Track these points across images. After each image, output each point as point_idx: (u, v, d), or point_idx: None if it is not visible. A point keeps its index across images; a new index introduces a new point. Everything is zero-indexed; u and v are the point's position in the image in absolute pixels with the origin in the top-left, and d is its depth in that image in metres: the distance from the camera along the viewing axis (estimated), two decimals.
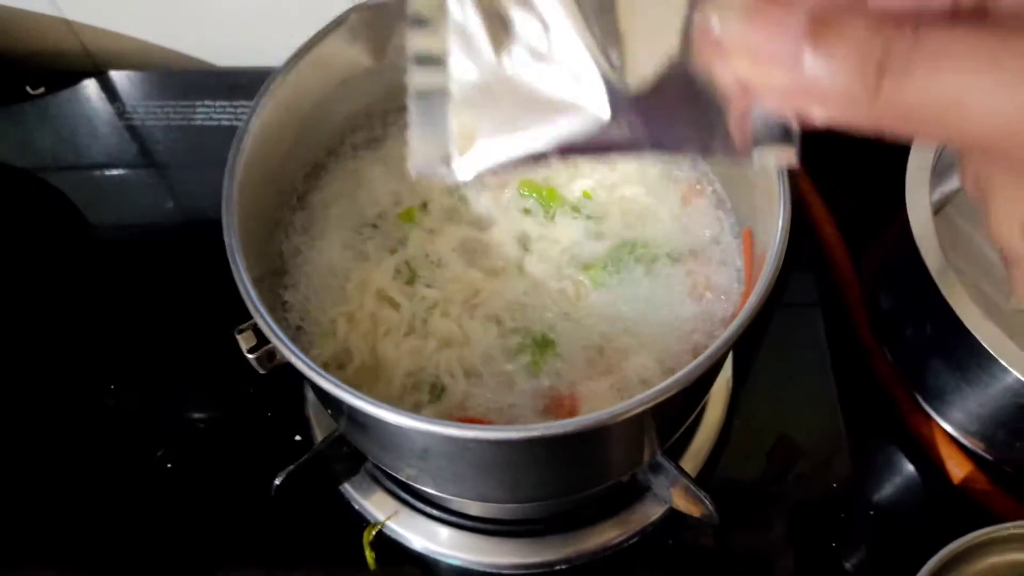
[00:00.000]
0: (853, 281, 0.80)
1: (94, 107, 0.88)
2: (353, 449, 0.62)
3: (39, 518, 0.67)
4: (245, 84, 0.87)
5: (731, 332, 0.44)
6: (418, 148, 0.33)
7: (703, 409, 0.68)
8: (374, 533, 0.65)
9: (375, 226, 0.62)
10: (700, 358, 0.44)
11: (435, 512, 0.66)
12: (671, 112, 0.32)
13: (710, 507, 0.57)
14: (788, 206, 0.48)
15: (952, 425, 0.72)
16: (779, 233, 0.47)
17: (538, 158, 0.33)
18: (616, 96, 0.32)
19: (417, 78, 0.33)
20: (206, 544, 0.66)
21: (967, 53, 0.24)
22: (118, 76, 0.90)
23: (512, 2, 0.32)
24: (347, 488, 0.67)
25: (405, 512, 0.66)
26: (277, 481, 0.60)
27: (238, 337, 0.50)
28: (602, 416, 0.43)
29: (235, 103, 0.86)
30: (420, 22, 0.33)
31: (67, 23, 0.88)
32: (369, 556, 0.64)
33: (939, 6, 0.26)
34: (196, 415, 0.72)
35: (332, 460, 0.64)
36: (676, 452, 0.65)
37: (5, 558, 0.66)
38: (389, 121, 0.66)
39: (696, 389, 0.51)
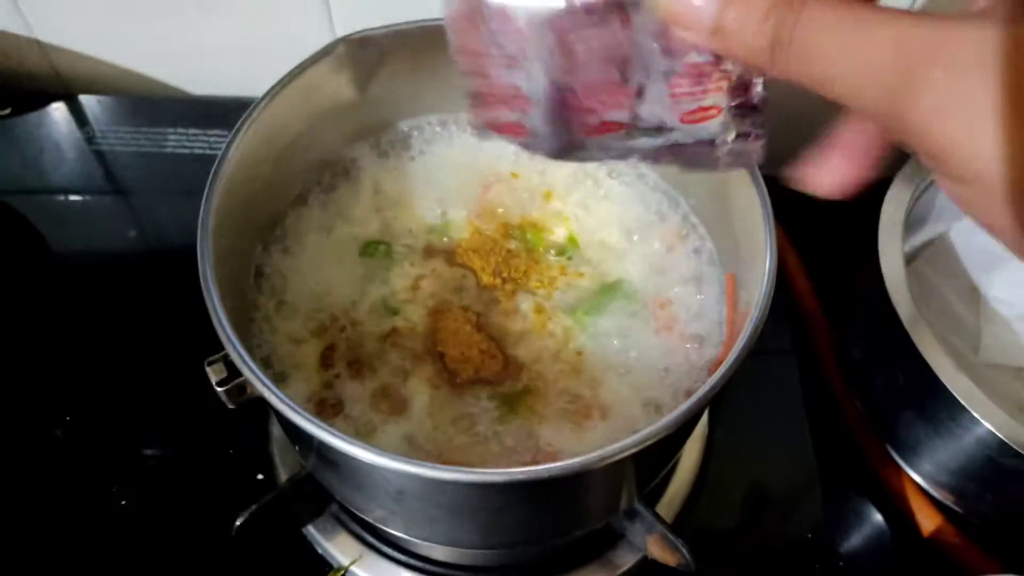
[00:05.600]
0: (824, 330, 0.80)
1: (62, 131, 0.86)
2: (318, 489, 0.60)
3: None
4: (219, 113, 0.85)
5: (718, 378, 0.44)
6: None
7: (679, 455, 0.67)
8: None
9: (355, 258, 0.61)
10: (687, 403, 0.43)
11: (401, 557, 0.63)
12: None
13: (687, 556, 0.56)
14: (774, 253, 0.48)
15: (922, 476, 0.72)
16: (765, 280, 0.47)
17: None
18: None
19: None
20: None
21: (830, 25, 0.30)
22: (88, 100, 0.88)
23: None
24: (311, 530, 0.64)
25: (370, 556, 0.64)
26: (239, 521, 0.58)
27: (208, 369, 0.48)
28: (587, 460, 0.42)
29: (208, 131, 0.84)
30: None
31: (38, 44, 0.86)
32: None
33: None
34: (154, 451, 0.69)
35: (296, 500, 0.61)
36: (652, 499, 0.64)
37: None
38: (371, 153, 0.65)
39: (679, 434, 0.50)
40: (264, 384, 0.43)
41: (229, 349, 0.45)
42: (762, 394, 0.71)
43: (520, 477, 0.41)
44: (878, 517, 0.73)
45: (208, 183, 0.51)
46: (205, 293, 0.47)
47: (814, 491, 0.67)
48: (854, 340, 0.78)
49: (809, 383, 0.74)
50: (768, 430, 0.70)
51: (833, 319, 0.81)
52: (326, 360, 0.56)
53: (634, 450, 0.42)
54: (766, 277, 0.47)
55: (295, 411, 0.42)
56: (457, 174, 0.63)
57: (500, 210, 0.62)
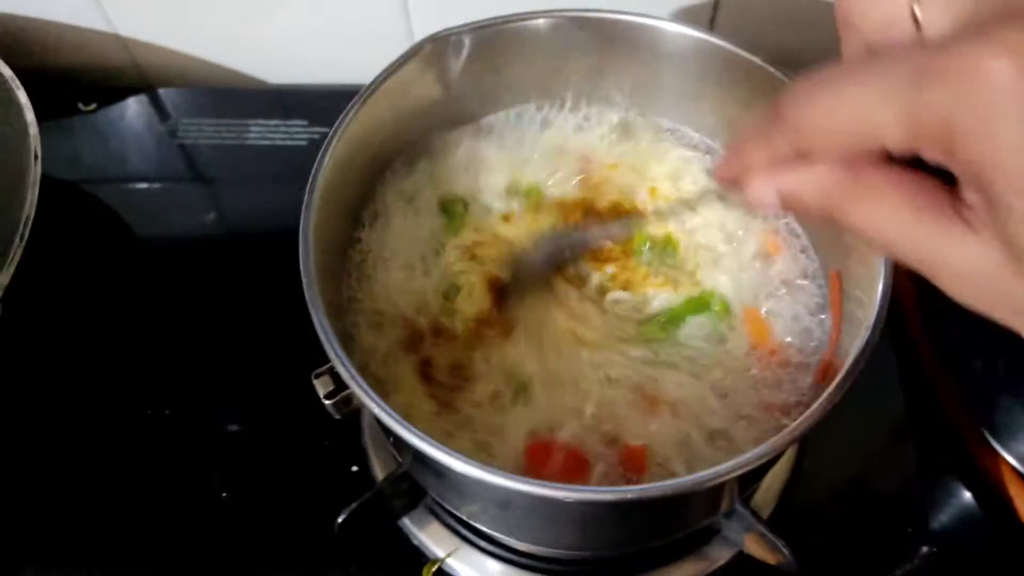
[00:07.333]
0: (915, 311, 0.78)
1: (145, 124, 0.87)
2: (413, 485, 0.61)
3: (90, 548, 0.66)
4: (299, 103, 0.85)
5: (840, 380, 0.44)
6: None
7: None
8: (433, 570, 0.64)
9: (437, 254, 0.61)
10: (811, 410, 0.43)
11: (495, 549, 0.64)
12: None
13: (788, 555, 0.55)
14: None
15: (1020, 461, 0.70)
16: (883, 277, 0.46)
17: None
18: None
19: None
20: None
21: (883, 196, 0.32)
22: (169, 93, 0.89)
23: None
24: (406, 523, 0.66)
25: (465, 549, 0.64)
26: (340, 519, 0.59)
27: (315, 382, 0.49)
28: (698, 479, 0.42)
29: (289, 123, 0.84)
30: None
31: (119, 39, 0.87)
32: None
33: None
34: (248, 440, 0.70)
35: (392, 496, 0.62)
36: (748, 494, 0.64)
37: None
38: (450, 148, 0.65)
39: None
40: (378, 404, 0.44)
41: (338, 366, 0.45)
42: (856, 380, 0.69)
43: (631, 496, 0.42)
44: (974, 503, 0.71)
45: (307, 197, 0.51)
46: (311, 308, 0.47)
47: (911, 477, 0.67)
48: (949, 322, 0.75)
49: (900, 366, 0.72)
50: (864, 418, 0.68)
51: (926, 301, 0.78)
52: (425, 374, 0.56)
53: (756, 464, 0.42)
54: (881, 279, 0.46)
55: (409, 431, 0.43)
56: (550, 156, 0.64)
57: (600, 195, 0.62)
